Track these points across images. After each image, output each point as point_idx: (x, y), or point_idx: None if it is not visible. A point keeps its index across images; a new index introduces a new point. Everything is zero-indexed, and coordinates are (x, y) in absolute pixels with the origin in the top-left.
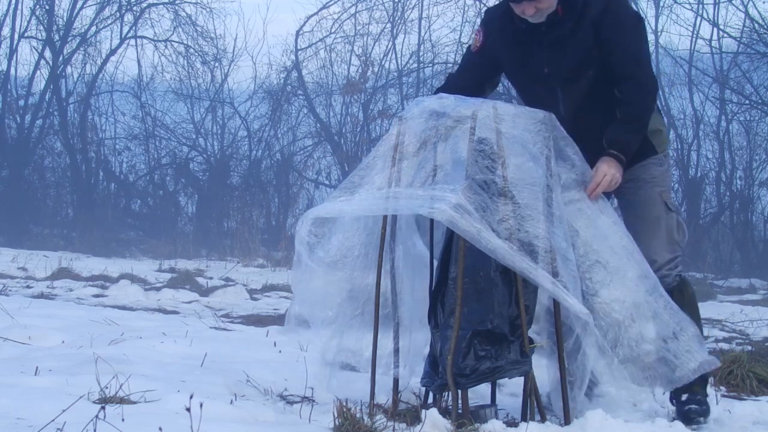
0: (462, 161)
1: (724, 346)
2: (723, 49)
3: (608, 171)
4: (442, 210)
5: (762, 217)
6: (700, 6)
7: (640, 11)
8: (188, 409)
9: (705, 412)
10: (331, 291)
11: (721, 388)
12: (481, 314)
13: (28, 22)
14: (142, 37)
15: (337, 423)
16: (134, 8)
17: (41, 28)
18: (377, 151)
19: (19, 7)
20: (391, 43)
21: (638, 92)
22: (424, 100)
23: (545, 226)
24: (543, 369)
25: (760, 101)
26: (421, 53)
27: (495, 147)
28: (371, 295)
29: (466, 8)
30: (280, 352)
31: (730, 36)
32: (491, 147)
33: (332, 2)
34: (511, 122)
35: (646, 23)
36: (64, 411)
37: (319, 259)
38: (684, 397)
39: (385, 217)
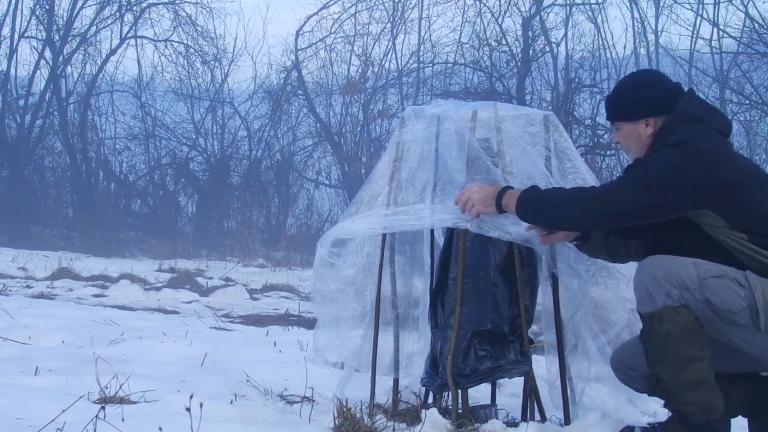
0: (464, 162)
1: None
2: (723, 49)
3: (472, 191)
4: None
5: None
6: (700, 6)
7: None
8: (188, 409)
9: None
10: (350, 299)
11: None
12: (481, 314)
13: (28, 22)
14: (142, 37)
15: (337, 423)
16: (134, 8)
17: (41, 28)
18: (382, 161)
19: (19, 7)
20: (391, 43)
21: (583, 190)
22: (423, 107)
23: None
24: (543, 369)
25: (760, 101)
26: (421, 53)
27: (495, 147)
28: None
29: (466, 8)
30: (280, 352)
31: (730, 36)
32: (492, 147)
33: (332, 2)
34: (511, 123)
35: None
36: (64, 411)
37: (337, 275)
38: None
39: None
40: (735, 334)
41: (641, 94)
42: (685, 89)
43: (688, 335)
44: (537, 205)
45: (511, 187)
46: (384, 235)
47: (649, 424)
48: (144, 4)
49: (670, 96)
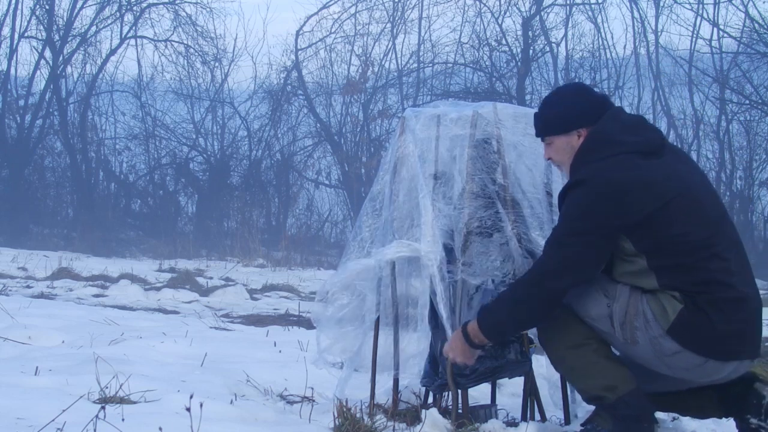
0: (464, 163)
1: None
2: (723, 49)
3: (448, 350)
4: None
5: (762, 217)
6: (700, 6)
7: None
8: (188, 409)
9: None
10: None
11: None
12: None
13: (28, 22)
14: (142, 37)
15: (337, 423)
16: (134, 8)
17: (41, 28)
18: (384, 166)
19: (19, 7)
20: (391, 43)
21: (524, 279)
22: (423, 109)
23: (547, 232)
24: (543, 369)
25: (760, 101)
26: (421, 53)
27: (495, 148)
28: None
29: (466, 8)
30: (280, 352)
31: (730, 36)
32: (492, 148)
33: (332, 2)
34: (511, 123)
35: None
36: (64, 411)
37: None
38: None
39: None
40: (611, 341)
41: (571, 104)
42: (613, 102)
43: (567, 327)
44: (497, 322)
45: (468, 322)
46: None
47: (581, 425)
48: (144, 4)
49: (599, 107)
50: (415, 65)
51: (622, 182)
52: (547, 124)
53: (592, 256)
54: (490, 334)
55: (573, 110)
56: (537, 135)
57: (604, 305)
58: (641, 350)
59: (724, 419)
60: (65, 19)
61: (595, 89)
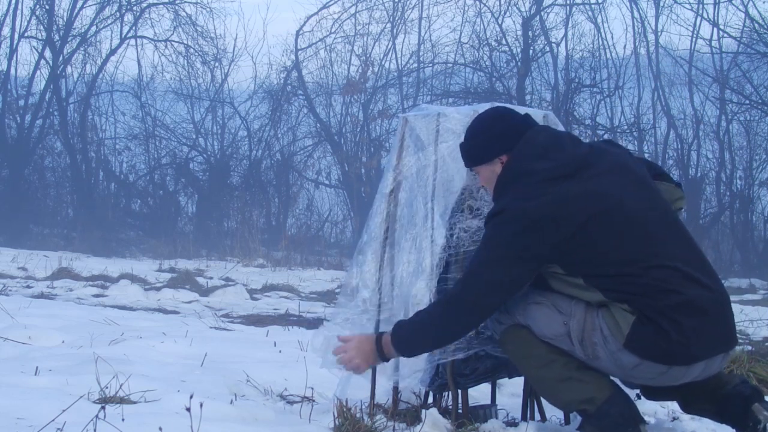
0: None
1: None
2: (723, 49)
3: (351, 352)
4: None
5: (762, 217)
6: (700, 6)
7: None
8: (188, 409)
9: None
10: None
11: None
12: None
13: (28, 22)
14: (142, 37)
15: (337, 423)
16: (134, 8)
17: (41, 28)
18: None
19: (19, 7)
20: (391, 43)
21: (442, 299)
22: (423, 109)
23: None
24: None
25: (760, 101)
26: (421, 53)
27: None
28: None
29: (466, 8)
30: (280, 352)
31: (730, 36)
32: None
33: (332, 2)
34: None
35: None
36: (64, 411)
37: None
38: None
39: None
40: (576, 357)
41: (488, 135)
42: (533, 121)
43: (529, 346)
44: (411, 341)
45: (383, 333)
46: (386, 235)
47: (576, 430)
48: (144, 4)
49: (516, 131)
50: (415, 65)
51: (535, 212)
52: (470, 156)
53: (507, 284)
54: (400, 349)
55: (491, 139)
56: (466, 166)
57: (560, 323)
58: (604, 364)
59: None
60: (65, 19)
61: (515, 110)
